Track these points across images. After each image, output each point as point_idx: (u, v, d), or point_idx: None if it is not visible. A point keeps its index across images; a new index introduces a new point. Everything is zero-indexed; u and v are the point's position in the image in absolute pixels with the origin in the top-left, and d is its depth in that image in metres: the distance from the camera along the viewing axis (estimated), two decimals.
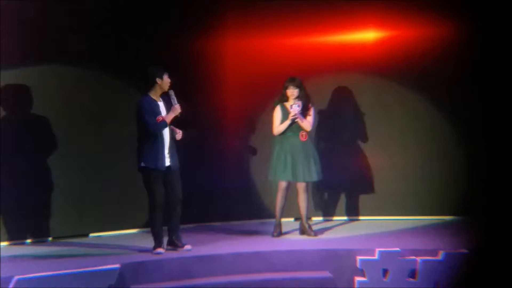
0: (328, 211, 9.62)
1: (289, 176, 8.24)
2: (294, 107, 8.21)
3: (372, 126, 9.59)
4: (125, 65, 8.91)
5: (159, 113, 7.58)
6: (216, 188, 9.42)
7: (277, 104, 8.37)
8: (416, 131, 9.55)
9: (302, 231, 8.42)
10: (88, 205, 8.88)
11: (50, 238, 8.73)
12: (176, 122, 7.83)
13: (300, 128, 8.27)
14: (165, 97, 7.70)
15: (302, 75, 9.17)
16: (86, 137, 8.90)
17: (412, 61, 9.48)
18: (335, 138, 9.65)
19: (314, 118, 8.45)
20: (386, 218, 9.42)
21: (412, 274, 7.28)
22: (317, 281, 7.45)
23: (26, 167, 8.55)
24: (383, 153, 9.58)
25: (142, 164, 7.54)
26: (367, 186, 9.57)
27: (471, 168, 9.31)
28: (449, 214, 9.40)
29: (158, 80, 7.57)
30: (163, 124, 7.55)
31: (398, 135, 9.61)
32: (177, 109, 7.60)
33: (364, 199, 9.58)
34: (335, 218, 9.58)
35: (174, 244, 7.74)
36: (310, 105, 8.37)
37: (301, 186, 8.31)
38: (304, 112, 8.30)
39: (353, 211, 9.62)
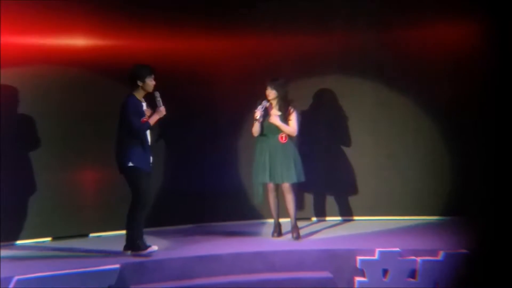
0: (327, 212, 9.63)
1: (267, 178, 8.15)
2: (259, 108, 8.08)
3: (371, 126, 9.59)
4: (122, 65, 8.91)
5: (143, 113, 7.54)
6: (216, 188, 9.42)
7: (259, 105, 8.18)
8: (415, 131, 9.55)
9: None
10: (88, 205, 8.89)
11: (49, 238, 8.73)
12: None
13: (278, 129, 8.14)
14: (149, 97, 7.66)
15: (302, 76, 9.19)
16: (85, 136, 8.89)
17: (410, 62, 9.48)
18: (334, 139, 9.65)
19: (298, 122, 8.24)
20: (386, 218, 9.41)
21: (412, 274, 7.28)
22: (317, 281, 7.45)
23: (25, 167, 8.55)
24: (383, 153, 9.59)
25: (130, 164, 7.46)
26: (367, 186, 9.57)
27: (471, 168, 9.31)
28: (449, 214, 9.39)
29: (139, 82, 7.55)
30: (147, 125, 7.50)
31: (397, 136, 9.60)
32: (161, 111, 7.57)
33: (363, 199, 9.58)
34: (335, 218, 9.58)
35: (139, 248, 7.54)
36: (291, 109, 8.21)
37: (285, 187, 8.19)
38: (284, 116, 8.17)
39: (353, 211, 9.63)
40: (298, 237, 8.19)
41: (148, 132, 7.60)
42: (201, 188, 9.36)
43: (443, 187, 9.41)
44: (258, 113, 8.08)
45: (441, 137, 9.50)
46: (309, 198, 9.53)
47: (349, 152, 9.59)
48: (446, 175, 9.42)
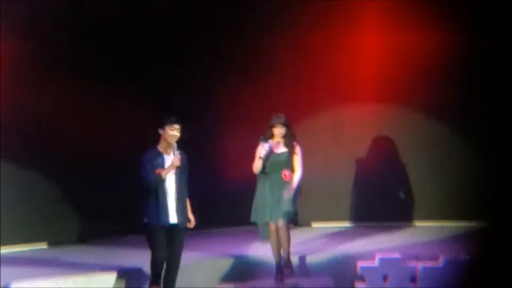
0: (327, 217, 9.62)
1: (268, 217, 7.62)
2: (265, 146, 7.61)
3: (376, 126, 9.66)
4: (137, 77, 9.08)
5: (160, 166, 7.02)
6: (213, 194, 9.40)
7: (261, 141, 7.72)
8: (424, 135, 9.55)
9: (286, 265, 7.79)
10: (86, 211, 8.89)
11: (45, 244, 8.71)
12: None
13: (282, 166, 7.68)
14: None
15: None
16: (84, 143, 8.90)
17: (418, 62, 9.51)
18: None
19: (302, 158, 7.79)
20: (387, 224, 9.40)
21: (412, 280, 7.23)
22: (316, 286, 7.42)
23: (23, 172, 8.57)
24: (387, 156, 9.61)
25: (145, 220, 7.04)
26: (371, 191, 9.60)
27: (476, 175, 9.30)
28: (451, 220, 9.39)
29: (159, 130, 7.08)
30: (157, 178, 6.97)
31: (403, 140, 9.61)
32: (174, 162, 6.99)
33: (367, 205, 9.60)
34: (336, 224, 9.57)
35: None
36: (295, 143, 7.78)
37: (279, 223, 7.59)
38: (290, 152, 7.72)
39: (355, 217, 9.67)
40: (292, 272, 7.67)
41: (172, 186, 7.07)
42: (199, 195, 9.33)
43: (447, 192, 9.42)
44: (263, 152, 7.65)
45: (447, 142, 9.50)
46: (308, 204, 9.49)
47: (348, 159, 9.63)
48: (451, 181, 9.43)
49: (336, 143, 9.68)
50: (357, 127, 9.64)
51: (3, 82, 8.43)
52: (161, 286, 7.03)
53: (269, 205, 7.63)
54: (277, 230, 7.60)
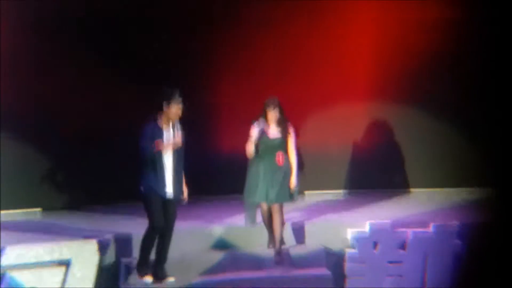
0: (320, 185, 9.70)
1: (261, 198, 7.66)
2: (257, 127, 7.66)
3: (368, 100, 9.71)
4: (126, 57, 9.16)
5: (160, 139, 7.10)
6: (210, 163, 9.46)
7: (254, 123, 7.73)
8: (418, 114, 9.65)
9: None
10: (80, 178, 8.94)
11: (39, 209, 8.77)
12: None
13: (276, 149, 7.71)
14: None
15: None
16: (80, 113, 8.96)
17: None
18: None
19: (295, 140, 7.79)
20: (379, 191, 9.47)
21: (402, 245, 7.29)
22: (308, 253, 7.50)
23: (19, 140, 8.63)
24: (379, 125, 9.68)
25: (143, 190, 7.12)
26: (363, 160, 9.71)
27: (468, 143, 9.37)
28: (443, 187, 9.47)
29: (164, 105, 7.09)
30: (155, 154, 7.01)
31: (396, 111, 9.71)
32: (176, 141, 7.08)
33: (360, 173, 9.71)
34: (328, 191, 9.67)
35: (157, 277, 7.16)
36: (288, 123, 7.75)
37: (274, 207, 7.64)
38: (284, 134, 7.71)
39: (352, 184, 9.80)
40: (281, 261, 7.59)
41: (170, 160, 7.13)
42: (193, 164, 9.39)
43: (438, 160, 9.51)
44: (255, 132, 7.69)
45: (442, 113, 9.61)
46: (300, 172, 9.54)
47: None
48: (446, 146, 9.53)
49: (329, 114, 9.72)
50: (349, 99, 9.69)
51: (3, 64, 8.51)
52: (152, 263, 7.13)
53: (263, 187, 7.64)
54: (271, 213, 7.64)
